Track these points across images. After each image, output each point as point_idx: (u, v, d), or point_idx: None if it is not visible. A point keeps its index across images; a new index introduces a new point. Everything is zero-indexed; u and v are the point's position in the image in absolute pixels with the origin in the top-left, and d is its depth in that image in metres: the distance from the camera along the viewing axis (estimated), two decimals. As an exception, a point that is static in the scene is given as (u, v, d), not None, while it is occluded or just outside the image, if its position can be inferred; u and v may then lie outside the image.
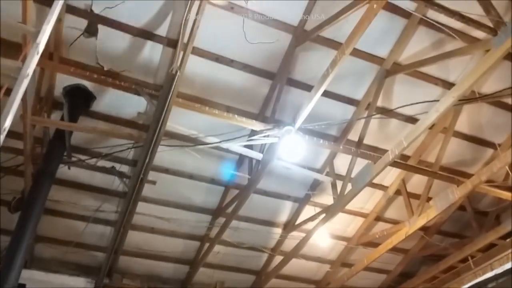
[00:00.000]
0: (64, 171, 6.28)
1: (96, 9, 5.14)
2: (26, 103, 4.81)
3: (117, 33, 5.34)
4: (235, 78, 5.86)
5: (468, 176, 6.23)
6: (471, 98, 5.72)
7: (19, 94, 2.83)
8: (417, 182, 7.28)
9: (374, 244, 7.76)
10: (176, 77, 4.70)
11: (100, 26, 5.27)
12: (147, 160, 5.60)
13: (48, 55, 5.19)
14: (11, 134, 5.60)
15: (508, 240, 6.82)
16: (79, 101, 5.76)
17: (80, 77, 5.32)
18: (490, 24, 4.20)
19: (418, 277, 8.40)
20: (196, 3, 4.68)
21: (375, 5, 4.25)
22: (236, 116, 5.47)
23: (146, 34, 5.40)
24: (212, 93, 5.94)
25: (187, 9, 4.74)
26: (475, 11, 4.30)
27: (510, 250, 5.93)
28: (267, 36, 5.48)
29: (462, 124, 6.64)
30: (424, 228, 7.42)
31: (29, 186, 5.76)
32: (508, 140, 6.70)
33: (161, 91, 5.10)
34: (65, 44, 5.31)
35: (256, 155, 6.02)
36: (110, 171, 6.39)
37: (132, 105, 5.94)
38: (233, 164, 6.78)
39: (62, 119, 5.70)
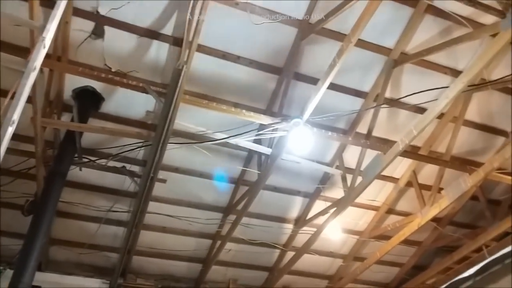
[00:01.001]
0: (75, 173, 6.34)
1: (102, 11, 5.18)
2: (36, 105, 4.88)
3: (123, 34, 5.38)
4: (242, 74, 5.87)
5: (479, 165, 6.16)
6: (480, 84, 5.67)
7: (27, 87, 2.85)
8: (428, 173, 7.23)
9: (386, 237, 7.71)
10: (183, 73, 4.72)
11: (106, 28, 5.31)
12: (156, 159, 5.63)
13: (56, 58, 5.25)
14: (22, 137, 5.80)
15: (522, 228, 6.77)
16: (88, 103, 5.81)
17: (88, 77, 5.35)
18: (499, 7, 4.15)
19: (432, 269, 8.33)
20: (200, 1, 4.70)
21: (380, -7, 4.23)
22: (243, 111, 5.48)
23: (152, 33, 5.43)
24: (219, 90, 5.95)
25: (191, 6, 4.76)
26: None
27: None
28: (273, 30, 5.47)
29: (473, 113, 6.58)
30: (436, 219, 7.38)
31: (41, 188, 5.83)
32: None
33: (168, 88, 5.13)
34: (72, 47, 5.36)
35: (265, 149, 6.02)
36: (121, 171, 6.42)
37: (140, 104, 5.98)
38: (243, 161, 6.79)
39: (72, 121, 5.75)
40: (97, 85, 5.70)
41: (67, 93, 5.75)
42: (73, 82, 5.62)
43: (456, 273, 7.62)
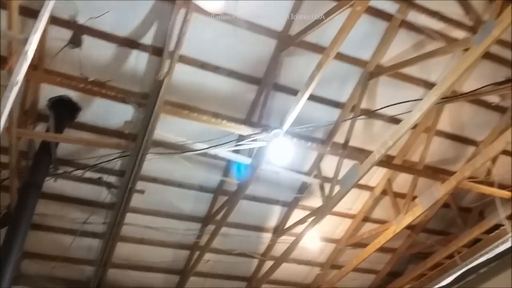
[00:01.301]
0: (49, 184, 6.17)
1: (80, 20, 5.12)
2: (11, 115, 4.74)
3: (102, 43, 5.33)
4: (221, 84, 5.90)
5: (451, 173, 6.38)
6: (453, 96, 5.89)
7: (9, 101, 2.81)
8: (402, 182, 7.41)
9: (362, 245, 7.85)
10: (164, 84, 4.72)
11: (84, 37, 5.25)
12: (135, 169, 5.58)
13: (32, 66, 5.13)
14: (-5, 148, 5.62)
15: (492, 234, 7.02)
16: (64, 113, 5.70)
17: (66, 87, 5.28)
18: (469, 24, 4.35)
19: (406, 276, 8.51)
20: (182, 11, 4.73)
21: (358, 8, 4.37)
22: (224, 121, 5.51)
23: (131, 43, 5.40)
24: (198, 100, 5.96)
25: (174, 17, 4.78)
26: (455, 12, 4.47)
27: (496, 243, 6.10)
28: (252, 42, 5.54)
29: (444, 123, 6.81)
30: (410, 227, 7.54)
31: (15, 200, 5.66)
32: (489, 137, 6.90)
33: (148, 99, 5.11)
34: (49, 56, 5.27)
35: (244, 160, 6.04)
36: (98, 182, 6.33)
37: (118, 114, 5.90)
38: (222, 171, 6.79)
39: (47, 131, 5.63)
40: (73, 94, 5.61)
41: (42, 102, 5.63)
42: (48, 91, 5.52)
43: (430, 280, 7.85)
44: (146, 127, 5.13)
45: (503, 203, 6.56)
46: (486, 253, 6.76)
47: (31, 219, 5.63)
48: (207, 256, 7.65)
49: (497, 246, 6.69)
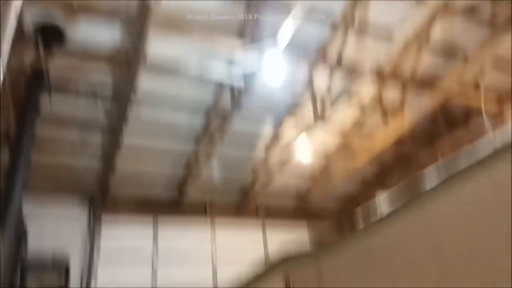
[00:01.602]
0: (46, 108, 6.23)
1: None
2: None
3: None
4: (210, 3, 5.70)
5: (440, 87, 6.49)
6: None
7: (9, 32, 2.83)
8: (392, 94, 7.53)
9: (354, 156, 8.19)
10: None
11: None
12: (129, 91, 5.65)
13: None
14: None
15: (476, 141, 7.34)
16: (51, 38, 5.58)
17: (51, 9, 5.11)
18: None
19: (393, 181, 9.01)
20: None
21: None
22: (217, 39, 5.45)
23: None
24: (188, 23, 5.79)
25: None
26: None
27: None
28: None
29: (436, 37, 6.73)
30: (398, 138, 7.84)
31: (13, 126, 5.76)
32: (478, 51, 6.88)
33: (137, 16, 5.00)
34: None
35: (237, 79, 6.09)
36: (93, 103, 6.40)
37: (106, 36, 5.78)
38: (214, 91, 6.84)
39: (37, 56, 5.55)
40: (59, 19, 5.44)
41: (28, 28, 5.47)
42: (33, 16, 5.34)
43: (415, 181, 8.36)
44: (137, 47, 5.09)
45: (488, 115, 6.78)
46: (468, 156, 7.19)
47: (34, 140, 5.78)
48: (204, 171, 8.01)
49: (478, 151, 7.11)
